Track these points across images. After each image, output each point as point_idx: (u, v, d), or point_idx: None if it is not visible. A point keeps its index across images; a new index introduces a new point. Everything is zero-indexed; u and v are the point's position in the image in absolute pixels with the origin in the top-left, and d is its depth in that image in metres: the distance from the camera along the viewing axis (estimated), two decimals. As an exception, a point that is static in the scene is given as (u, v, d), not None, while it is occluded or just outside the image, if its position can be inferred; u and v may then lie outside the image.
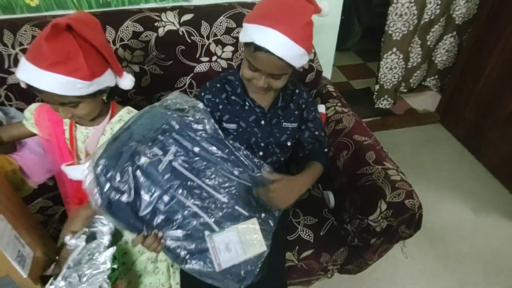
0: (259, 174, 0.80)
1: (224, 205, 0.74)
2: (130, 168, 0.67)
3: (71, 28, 0.66)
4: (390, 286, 1.28)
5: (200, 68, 1.15)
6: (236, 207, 0.75)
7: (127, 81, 0.79)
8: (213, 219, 0.72)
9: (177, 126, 0.73)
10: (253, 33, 0.72)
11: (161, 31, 1.07)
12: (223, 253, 0.71)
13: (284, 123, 0.93)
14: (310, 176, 0.89)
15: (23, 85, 0.69)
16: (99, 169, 0.65)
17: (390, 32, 1.78)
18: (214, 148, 0.76)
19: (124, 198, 0.66)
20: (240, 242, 0.74)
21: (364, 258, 1.00)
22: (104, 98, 0.81)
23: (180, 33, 1.09)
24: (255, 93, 0.89)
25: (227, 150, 0.78)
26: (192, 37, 1.10)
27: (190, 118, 0.76)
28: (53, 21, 0.64)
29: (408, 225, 0.88)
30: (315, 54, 1.25)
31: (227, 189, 0.75)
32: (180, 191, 0.70)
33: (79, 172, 0.79)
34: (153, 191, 0.68)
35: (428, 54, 2.06)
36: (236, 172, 0.77)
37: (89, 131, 0.83)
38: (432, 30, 1.92)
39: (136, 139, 0.69)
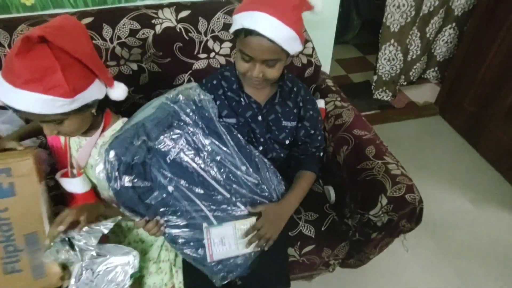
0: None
1: (225, 200, 0.75)
2: (140, 158, 0.68)
3: (46, 39, 0.59)
4: (391, 278, 1.29)
5: (199, 65, 1.14)
6: (238, 203, 0.76)
7: (118, 92, 0.73)
8: (213, 213, 0.74)
9: (187, 119, 0.74)
10: (242, 19, 0.73)
11: (158, 29, 1.06)
12: (217, 246, 0.74)
13: (283, 122, 0.92)
14: (298, 194, 0.89)
15: (0, 103, 0.63)
16: (110, 156, 0.65)
17: (387, 23, 1.77)
18: (222, 142, 0.77)
19: (132, 186, 0.67)
20: (235, 238, 0.76)
21: (365, 252, 1.01)
22: (93, 111, 0.73)
23: (178, 30, 1.08)
24: (251, 88, 0.89)
25: (235, 145, 0.79)
26: (189, 34, 1.09)
27: (202, 111, 0.77)
28: (24, 34, 0.57)
29: (409, 219, 0.89)
30: (313, 48, 1.24)
31: (230, 185, 0.76)
32: (184, 183, 0.71)
33: (72, 185, 0.79)
34: (160, 180, 0.69)
35: (428, 46, 2.05)
36: (243, 168, 0.78)
37: (82, 140, 0.79)
38: (432, 22, 1.91)
39: (148, 130, 0.70)
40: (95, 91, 0.69)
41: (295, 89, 0.94)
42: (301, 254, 0.95)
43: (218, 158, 0.75)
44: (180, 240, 0.73)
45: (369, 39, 2.68)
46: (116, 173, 0.65)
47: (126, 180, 0.65)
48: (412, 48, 1.99)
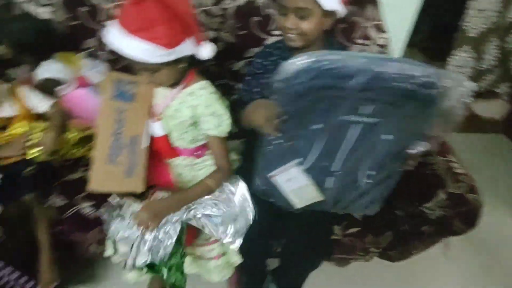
0: None
1: (331, 169, 0.75)
2: (332, 94, 0.64)
3: None
4: (427, 286, 1.27)
5: (271, 41, 1.18)
6: (328, 179, 0.78)
7: (207, 51, 0.78)
8: (313, 165, 0.75)
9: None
10: None
11: (241, 1, 1.12)
12: (283, 176, 0.78)
13: None
14: None
15: (110, 48, 0.72)
16: (314, 64, 0.61)
17: (465, 27, 1.68)
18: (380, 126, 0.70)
19: (302, 97, 0.65)
20: (297, 187, 0.80)
21: (409, 246, 1.00)
22: (182, 66, 0.79)
23: (258, 4, 1.13)
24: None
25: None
26: (268, 10, 1.14)
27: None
28: None
29: (464, 220, 0.87)
30: (388, 39, 1.22)
31: (350, 166, 0.75)
32: (328, 139, 0.71)
33: (150, 128, 0.88)
34: (318, 116, 0.67)
35: (505, 57, 1.91)
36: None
37: (165, 91, 0.86)
38: (515, 31, 1.77)
39: (357, 87, 0.62)
40: (188, 47, 0.75)
41: None
42: (345, 234, 0.97)
43: (366, 138, 0.70)
44: (270, 156, 0.77)
45: (437, 44, 2.54)
46: (306, 76, 0.61)
47: (304, 87, 0.63)
48: (486, 57, 1.86)
